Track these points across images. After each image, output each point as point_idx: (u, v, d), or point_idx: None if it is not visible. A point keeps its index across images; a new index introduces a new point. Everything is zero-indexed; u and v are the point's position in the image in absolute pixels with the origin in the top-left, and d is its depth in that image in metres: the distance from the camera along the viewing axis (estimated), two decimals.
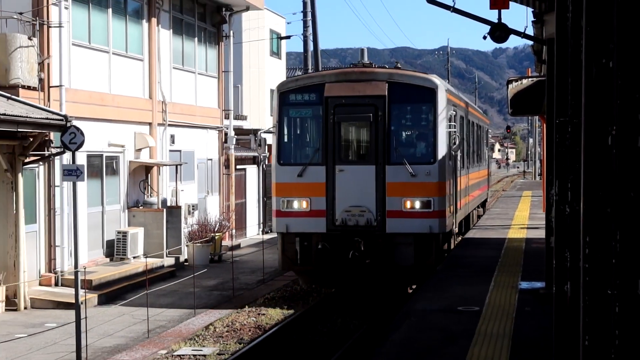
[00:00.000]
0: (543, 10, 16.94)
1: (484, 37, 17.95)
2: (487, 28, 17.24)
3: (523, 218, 34.80)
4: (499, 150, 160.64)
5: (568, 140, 9.48)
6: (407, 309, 14.30)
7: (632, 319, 4.13)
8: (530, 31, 19.99)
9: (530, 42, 22.02)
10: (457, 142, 24.52)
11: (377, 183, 22.99)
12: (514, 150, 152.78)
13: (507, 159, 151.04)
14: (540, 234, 26.18)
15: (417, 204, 22.82)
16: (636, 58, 4.08)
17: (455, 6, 18.04)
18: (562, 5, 9.76)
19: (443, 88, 23.53)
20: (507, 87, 29.28)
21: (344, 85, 23.28)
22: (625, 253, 4.15)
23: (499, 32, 17.15)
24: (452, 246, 30.73)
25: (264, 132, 28.27)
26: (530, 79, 27.42)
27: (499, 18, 17.02)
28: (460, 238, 32.78)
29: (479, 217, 40.67)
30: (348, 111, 23.68)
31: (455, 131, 23.96)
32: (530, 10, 19.01)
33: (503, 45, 21.80)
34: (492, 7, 16.97)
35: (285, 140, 24.36)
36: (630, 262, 4.14)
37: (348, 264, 21.37)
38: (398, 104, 24.16)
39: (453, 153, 26.08)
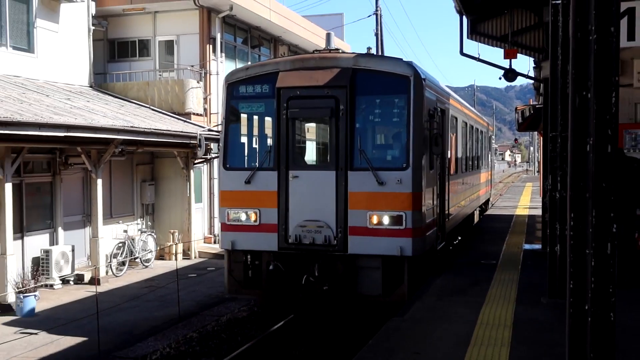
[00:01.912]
0: (540, 59, 16.71)
1: (500, 78, 17.61)
2: (502, 72, 16.85)
3: (526, 201, 33.82)
4: (509, 155, 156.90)
5: (558, 148, 9.55)
6: (443, 262, 14.10)
7: (603, 270, 4.18)
8: (531, 73, 19.58)
9: (532, 81, 21.41)
10: (440, 143, 13.16)
11: (337, 192, 12.20)
12: (519, 155, 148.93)
13: (515, 161, 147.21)
14: (538, 212, 21.44)
15: (386, 220, 11.94)
16: (606, 92, 4.15)
17: (480, 57, 17.70)
18: (554, 56, 9.72)
19: (420, 77, 12.40)
20: (515, 112, 28.55)
21: (300, 74, 12.82)
22: (598, 225, 4.19)
23: (510, 74, 16.89)
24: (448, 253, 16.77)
25: (204, 131, 16.55)
26: (531, 106, 26.88)
27: (510, 64, 16.72)
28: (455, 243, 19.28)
29: (482, 215, 27.29)
30: (303, 105, 12.81)
31: (437, 130, 13.09)
32: (532, 59, 18.57)
33: (512, 83, 19.68)
34: (505, 57, 16.62)
35: (233, 140, 13.50)
36: (602, 231, 4.18)
37: (302, 291, 11.92)
38: (364, 95, 12.82)
39: (435, 156, 13.42)
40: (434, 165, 12.29)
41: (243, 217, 11.70)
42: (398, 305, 10.47)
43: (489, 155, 29.91)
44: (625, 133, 13.52)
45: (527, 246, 16.08)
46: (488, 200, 30.46)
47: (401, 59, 11.72)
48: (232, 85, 12.29)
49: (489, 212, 28.53)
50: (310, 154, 13.58)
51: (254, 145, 12.95)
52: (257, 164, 12.15)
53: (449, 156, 14.42)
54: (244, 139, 12.91)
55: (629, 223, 10.81)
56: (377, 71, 11.36)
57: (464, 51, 17.29)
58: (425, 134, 11.23)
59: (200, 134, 14.11)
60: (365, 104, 11.60)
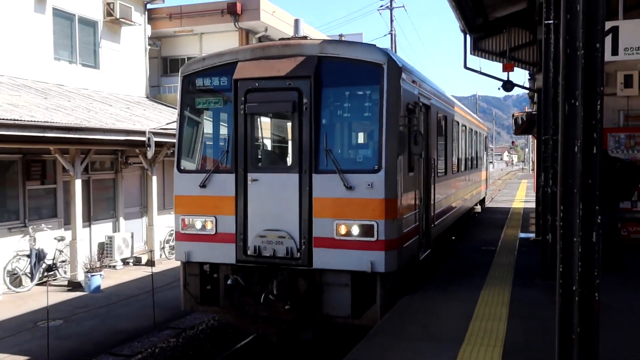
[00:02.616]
0: (534, 72, 16.63)
1: (499, 88, 17.45)
2: (500, 83, 16.77)
3: (521, 195, 33.48)
4: (507, 155, 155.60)
5: (550, 149, 9.41)
6: (451, 249, 14.01)
7: (589, 256, 4.15)
8: (527, 84, 19.41)
9: (527, 91, 21.21)
10: (420, 142, 9.23)
11: (301, 198, 9.03)
12: (516, 155, 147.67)
13: (512, 161, 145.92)
14: (532, 205, 20.85)
15: (355, 230, 8.70)
16: (592, 101, 4.12)
17: (481, 70, 17.67)
18: (547, 69, 9.58)
19: (396, 65, 8.95)
20: (512, 118, 28.28)
21: (261, 64, 9.49)
22: (585, 216, 4.15)
23: (508, 85, 16.88)
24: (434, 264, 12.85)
25: (152, 130, 11.74)
26: (526, 113, 26.67)
27: (508, 77, 16.78)
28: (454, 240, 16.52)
29: (476, 213, 23.07)
30: (263, 98, 9.49)
31: (417, 127, 9.54)
32: (527, 72, 18.43)
33: (510, 93, 19.25)
34: (503, 70, 16.60)
35: (188, 139, 10.38)
36: (588, 222, 4.14)
37: (263, 309, 9.07)
38: (331, 87, 9.31)
39: (416, 156, 9.76)
40: (415, 166, 9.47)
41: (198, 225, 9.05)
42: (369, 328, 7.79)
43: (485, 156, 25.70)
44: (610, 136, 13.36)
45: (522, 235, 15.90)
46: (484, 199, 25.87)
47: (374, 45, 8.78)
48: (188, 78, 9.49)
49: (489, 204, 27.75)
50: (272, 155, 10.25)
51: (211, 145, 9.88)
52: (213, 166, 9.20)
53: (435, 156, 11.19)
54: (200, 138, 9.86)
55: (613, 215, 10.69)
56: (346, 59, 8.51)
57: (468, 65, 17.33)
58: (402, 131, 8.48)
59: (149, 132, 10.86)
60: (333, 96, 8.76)
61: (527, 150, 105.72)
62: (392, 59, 8.51)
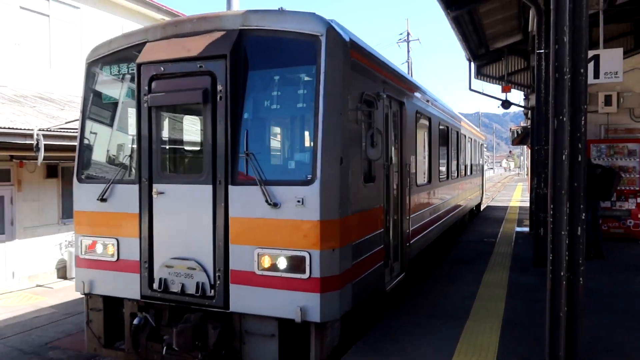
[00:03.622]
0: (529, 93, 16.49)
1: (499, 106, 17.22)
2: (500, 102, 16.61)
3: (518, 196, 33.03)
4: (505, 162, 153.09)
5: (542, 157, 9.15)
6: (456, 240, 13.83)
7: (575, 247, 4.08)
8: (522, 103, 19.14)
9: (522, 108, 20.87)
10: (379, 144, 5.71)
11: (215, 218, 5.31)
12: (513, 162, 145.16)
13: (510, 167, 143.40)
14: (527, 204, 20.49)
15: (282, 263, 5.00)
16: (577, 116, 4.08)
17: (484, 91, 17.52)
18: (539, 90, 9.42)
19: (340, 39, 5.17)
20: (510, 131, 27.87)
21: (171, 44, 5.53)
22: (571, 214, 4.07)
23: (506, 103, 16.67)
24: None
25: (40, 130, 8.34)
26: (522, 127, 26.29)
27: (506, 97, 16.64)
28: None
29: (472, 218, 18.89)
30: (169, 87, 5.48)
31: (373, 124, 5.65)
32: (522, 92, 18.19)
33: (508, 110, 19.41)
34: (502, 91, 16.45)
35: (90, 140, 6.23)
36: (573, 218, 4.05)
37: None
38: (254, 69, 5.28)
39: (373, 160, 5.87)
40: (378, 175, 6.38)
41: (99, 248, 6.06)
42: None
43: (481, 163, 21.30)
44: (593, 146, 13.14)
45: (518, 229, 15.60)
46: (479, 204, 21.47)
47: (313, 13, 5.43)
48: (93, 65, 6.38)
49: (490, 203, 26.70)
50: (182, 160, 6.68)
51: (118, 148, 6.45)
52: (115, 174, 6.03)
53: (413, 162, 8.11)
54: (107, 140, 6.45)
55: (595, 212, 10.50)
56: (273, 32, 5.34)
57: (472, 87, 17.14)
58: (353, 129, 5.45)
59: (37, 133, 7.67)
60: (257, 81, 5.48)
61: (522, 158, 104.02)
62: (335, 30, 5.24)
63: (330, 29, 5.22)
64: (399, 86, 7.48)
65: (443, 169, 11.31)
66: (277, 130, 6.01)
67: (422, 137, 9.20)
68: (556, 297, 4.23)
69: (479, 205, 21.47)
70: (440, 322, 6.51)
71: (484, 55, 16.28)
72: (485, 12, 12.56)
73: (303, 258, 5.03)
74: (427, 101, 9.67)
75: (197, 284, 5.47)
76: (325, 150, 5.07)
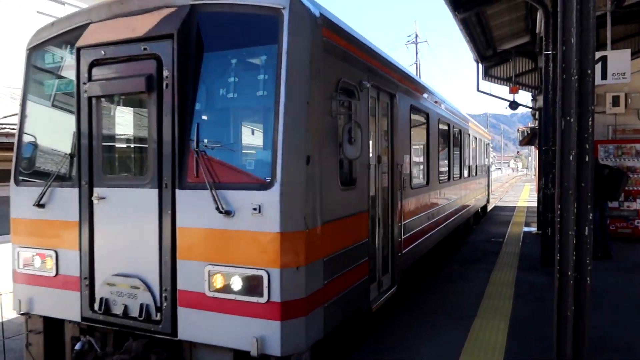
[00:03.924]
0: (536, 94, 16.47)
1: (506, 107, 17.17)
2: (507, 103, 16.57)
3: (525, 196, 32.80)
4: (513, 163, 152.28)
5: (549, 157, 9.12)
6: (465, 240, 13.76)
7: (582, 246, 4.09)
8: (530, 104, 19.07)
9: (530, 109, 20.79)
10: (359, 141, 4.61)
11: (161, 228, 4.34)
12: (520, 163, 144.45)
13: (517, 168, 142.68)
14: (534, 204, 19.54)
15: (236, 283, 4.01)
16: (585, 117, 4.08)
17: (491, 92, 17.51)
18: (546, 91, 9.39)
19: (308, 13, 4.16)
20: (518, 132, 27.81)
21: (115, 24, 4.50)
22: (578, 214, 4.07)
23: (514, 104, 16.63)
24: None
25: None
26: (529, 128, 26.21)
27: (513, 98, 16.56)
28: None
29: (477, 220, 17.72)
30: (110, 73, 4.46)
31: (352, 117, 4.67)
32: (530, 93, 18.15)
33: (515, 111, 19.05)
34: (510, 92, 16.43)
35: (29, 137, 5.06)
36: (581, 218, 4.05)
37: None
38: (207, 51, 4.24)
39: (351, 159, 4.76)
40: (359, 176, 5.36)
41: (37, 262, 5.17)
42: None
43: (487, 163, 19.94)
44: (600, 147, 13.07)
45: (526, 229, 15.53)
46: (485, 206, 20.14)
47: None
48: (34, 52, 5.43)
49: (499, 204, 26.17)
50: (126, 160, 5.59)
51: (53, 145, 5.44)
52: (53, 175, 5.09)
53: (406, 162, 7.20)
54: (47, 135, 5.43)
55: (602, 212, 10.47)
56: (229, 6, 4.47)
57: (480, 89, 17.09)
58: (325, 122, 4.54)
59: None
60: (209, 65, 4.56)
61: (530, 158, 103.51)
62: (300, 3, 4.35)
63: (295, 1, 4.31)
64: (389, 76, 6.47)
65: (444, 169, 10.37)
66: (234, 123, 4.80)
67: (418, 134, 8.36)
68: (564, 297, 4.24)
69: (484, 207, 20.13)
70: (447, 320, 6.52)
71: (491, 57, 16.27)
72: (493, 14, 12.54)
73: (260, 278, 4.10)
74: (425, 95, 8.58)
75: (141, 305, 4.58)
76: (287, 147, 4.14)
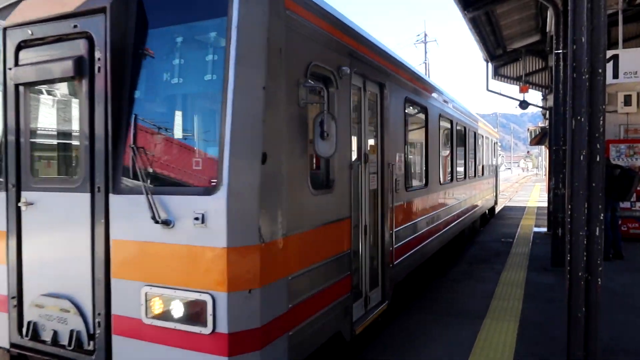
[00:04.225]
0: (547, 93, 16.35)
1: (516, 107, 17.06)
2: (517, 102, 16.49)
3: (536, 196, 32.51)
4: (523, 162, 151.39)
5: (560, 157, 9.03)
6: (473, 240, 13.61)
7: (593, 247, 4.04)
8: (540, 103, 18.94)
9: (540, 109, 20.65)
10: (333, 136, 3.72)
11: (93, 240, 3.50)
12: (530, 163, 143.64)
13: (527, 167, 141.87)
14: (545, 204, 19.02)
15: (177, 309, 3.20)
16: (596, 117, 4.03)
17: (501, 92, 17.41)
18: (557, 90, 9.32)
19: None
20: (528, 131, 27.66)
21: (47, 0, 3.45)
22: (589, 214, 4.00)
23: (524, 104, 16.52)
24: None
25: None
26: (540, 127, 26.11)
27: (523, 97, 16.45)
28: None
29: (484, 221, 16.67)
30: (37, 57, 3.53)
31: (326, 108, 3.66)
32: (540, 93, 18.01)
33: (526, 111, 18.69)
34: (520, 92, 16.36)
35: None
36: (592, 219, 4.00)
37: None
38: (144, 28, 3.38)
39: (325, 157, 3.90)
40: (338, 178, 4.61)
41: None
42: None
43: (494, 162, 18.50)
44: (612, 146, 12.94)
45: (536, 229, 15.40)
46: (493, 208, 18.58)
47: None
48: None
49: (509, 204, 25.49)
50: (57, 160, 4.72)
51: None
52: None
53: (400, 161, 6.41)
54: None
55: (614, 213, 10.36)
56: None
57: (489, 88, 17.00)
58: (289, 113, 3.79)
59: None
60: (149, 45, 3.76)
61: (540, 158, 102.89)
62: None
63: None
64: (377, 63, 5.60)
65: (446, 169, 9.45)
66: (179, 113, 3.96)
67: (415, 131, 7.51)
68: (574, 298, 4.19)
69: (492, 209, 18.69)
70: (456, 321, 6.48)
71: (501, 56, 16.18)
72: (503, 13, 12.46)
73: (204, 304, 3.34)
74: (423, 87, 7.68)
75: (72, 332, 3.85)
76: (236, 141, 3.35)
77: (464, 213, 11.73)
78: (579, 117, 4.11)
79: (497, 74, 16.91)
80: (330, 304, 4.45)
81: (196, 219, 3.34)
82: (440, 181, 8.84)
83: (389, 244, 6.02)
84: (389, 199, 5.97)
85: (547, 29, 12.95)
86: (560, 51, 9.04)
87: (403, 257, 6.65)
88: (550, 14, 10.97)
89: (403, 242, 6.62)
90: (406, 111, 6.84)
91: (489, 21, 12.80)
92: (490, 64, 16.45)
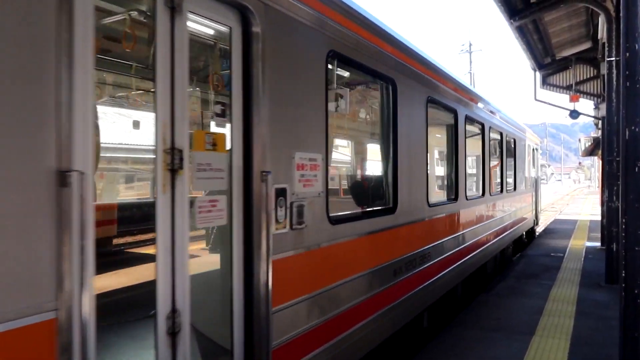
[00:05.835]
0: (599, 102, 15.84)
1: (567, 117, 16.60)
2: (567, 112, 16.06)
3: (588, 209, 31.38)
4: (575, 173, 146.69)
5: (613, 169, 8.72)
6: (522, 254, 13.19)
7: None
8: (592, 113, 18.34)
9: (592, 118, 19.98)
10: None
11: None
12: (582, 174, 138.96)
13: (579, 179, 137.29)
14: (598, 218, 17.45)
15: None
16: None
17: (551, 102, 17.00)
18: (609, 99, 9.04)
19: None
20: (579, 142, 26.84)
21: None
22: None
23: (574, 113, 16.04)
24: None
25: None
26: (592, 138, 25.28)
27: (574, 106, 15.96)
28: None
29: (520, 248, 13.72)
30: None
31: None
32: (592, 102, 17.47)
33: (576, 120, 18.26)
34: (570, 101, 15.85)
35: None
36: None
37: None
38: None
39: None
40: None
41: None
42: None
43: (533, 174, 15.55)
44: None
45: (588, 244, 14.84)
46: (532, 229, 15.77)
47: None
48: None
49: (558, 217, 24.29)
50: None
51: None
52: None
53: (294, 165, 3.28)
54: None
55: None
56: None
57: (537, 97, 16.58)
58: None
59: None
60: None
61: (593, 170, 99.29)
62: None
63: None
64: (340, 29, 3.79)
65: (440, 182, 6.80)
66: None
67: (358, 117, 5.11)
68: (629, 316, 4.00)
69: (531, 230, 15.70)
70: (504, 338, 6.29)
71: (550, 65, 15.80)
72: (551, 21, 12.16)
73: None
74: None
75: None
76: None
77: (509, 227, 10.55)
78: (633, 127, 3.96)
79: (545, 82, 16.51)
80: None
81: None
82: (428, 203, 5.83)
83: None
84: (263, 246, 3.08)
85: (599, 36, 12.56)
86: (613, 59, 8.77)
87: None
88: (601, 20, 10.64)
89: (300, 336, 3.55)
90: (328, 75, 3.89)
91: (537, 29, 12.52)
92: (538, 73, 16.08)
